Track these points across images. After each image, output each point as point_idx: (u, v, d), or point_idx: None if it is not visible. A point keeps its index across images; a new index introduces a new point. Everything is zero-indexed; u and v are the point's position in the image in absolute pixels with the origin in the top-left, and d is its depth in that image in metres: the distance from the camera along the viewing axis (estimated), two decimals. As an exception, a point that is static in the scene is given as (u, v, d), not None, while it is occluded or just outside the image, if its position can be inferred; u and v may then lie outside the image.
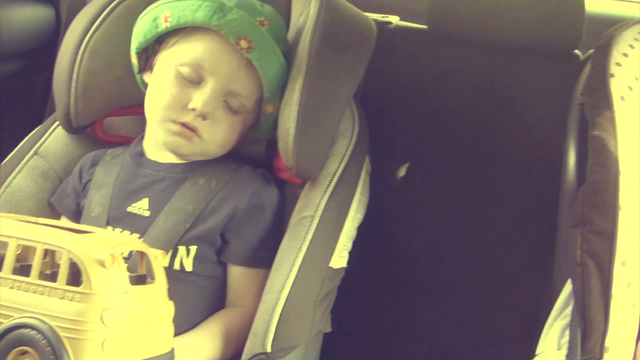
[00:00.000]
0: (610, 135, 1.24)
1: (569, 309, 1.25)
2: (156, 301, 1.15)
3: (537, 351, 1.26)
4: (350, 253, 1.51)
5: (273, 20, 1.52)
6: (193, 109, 1.44)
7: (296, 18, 1.63)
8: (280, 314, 1.34)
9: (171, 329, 1.18)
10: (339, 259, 1.46)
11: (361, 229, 1.54)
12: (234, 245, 1.46)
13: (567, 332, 1.23)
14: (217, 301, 1.46)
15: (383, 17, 2.07)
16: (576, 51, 1.89)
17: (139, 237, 1.42)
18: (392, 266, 1.98)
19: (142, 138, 1.58)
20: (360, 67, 1.53)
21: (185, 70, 1.45)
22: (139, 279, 1.15)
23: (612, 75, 1.31)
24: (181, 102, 1.45)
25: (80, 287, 1.04)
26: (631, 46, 1.37)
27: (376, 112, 1.90)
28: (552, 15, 1.86)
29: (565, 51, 1.89)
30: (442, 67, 1.99)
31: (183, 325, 1.35)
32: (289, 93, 1.47)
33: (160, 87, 1.48)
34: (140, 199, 1.48)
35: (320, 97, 1.46)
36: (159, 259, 1.18)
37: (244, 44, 1.44)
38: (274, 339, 1.32)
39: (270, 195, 1.52)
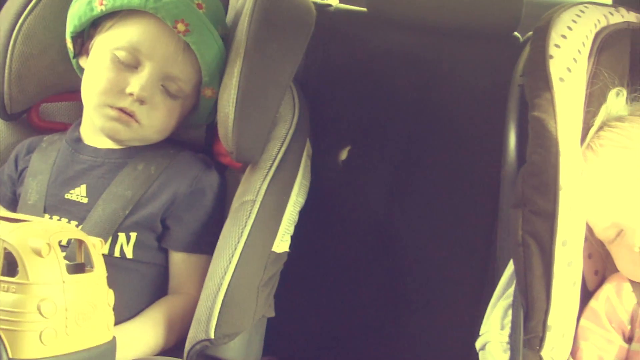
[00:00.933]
0: (550, 116, 1.25)
1: (512, 289, 1.26)
2: (96, 290, 1.12)
3: (481, 331, 1.27)
4: (293, 237, 1.50)
5: (211, 3, 1.49)
6: (130, 94, 1.41)
7: (235, 1, 1.60)
8: (223, 300, 1.33)
9: (112, 317, 1.16)
10: (282, 244, 1.46)
11: (304, 213, 1.53)
12: (175, 231, 1.44)
13: (510, 312, 1.24)
14: (159, 288, 1.44)
15: (323, 0, 2.05)
16: (515, 33, 1.90)
17: (77, 225, 1.39)
18: (336, 250, 1.98)
19: (79, 124, 1.55)
20: (299, 50, 1.51)
21: (121, 54, 1.42)
22: (78, 268, 1.12)
23: (551, 57, 1.31)
24: (118, 86, 1.41)
25: (16, 277, 1.01)
26: (569, 28, 1.38)
27: (317, 95, 1.88)
28: (492, -2, 1.87)
29: (504, 33, 1.90)
30: (382, 50, 1.98)
31: (124, 313, 1.33)
32: (227, 77, 1.45)
33: (96, 72, 1.44)
34: (78, 186, 1.45)
35: (259, 81, 1.44)
36: (97, 247, 1.15)
37: (181, 27, 1.41)
38: (217, 325, 1.31)
39: (210, 180, 1.50)
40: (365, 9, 1.99)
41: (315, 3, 1.65)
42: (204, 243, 1.44)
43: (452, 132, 1.93)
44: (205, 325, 1.31)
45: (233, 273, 1.35)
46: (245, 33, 1.43)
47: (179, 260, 1.45)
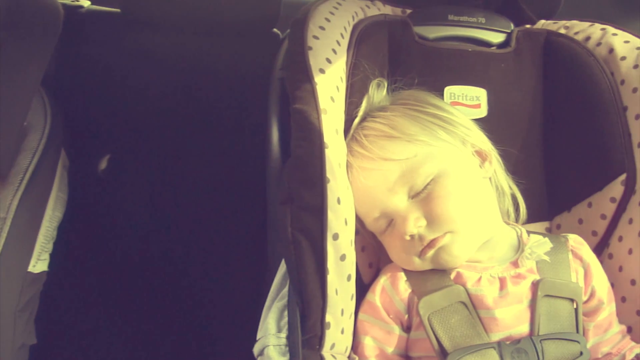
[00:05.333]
0: (312, 107, 1.22)
1: (286, 289, 1.22)
2: None
3: (258, 336, 1.21)
4: (52, 255, 1.40)
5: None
6: None
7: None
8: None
9: None
10: (39, 263, 1.36)
11: (63, 228, 1.42)
12: None
13: (286, 312, 1.20)
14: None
15: (73, 1, 1.93)
16: (275, 30, 1.88)
17: None
18: (102, 265, 1.87)
19: None
20: (46, 52, 1.41)
21: None
22: None
23: (310, 48, 1.29)
24: None
25: None
26: (327, 20, 1.37)
27: (72, 101, 1.76)
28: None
29: (264, 30, 1.87)
30: (139, 52, 1.90)
31: None
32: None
33: None
34: None
35: (1, 87, 1.31)
36: None
37: None
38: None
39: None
40: (118, 10, 1.88)
41: (63, 4, 1.53)
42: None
43: (215, 133, 1.87)
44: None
45: (-13, 299, 1.23)
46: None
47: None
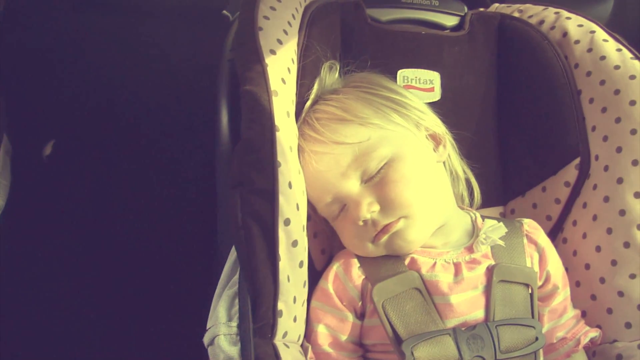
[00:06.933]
0: (263, 89, 1.19)
1: (237, 277, 1.18)
2: None
3: (208, 325, 1.17)
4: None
5: None
6: None
7: None
8: None
9: None
10: None
11: (5, 216, 1.38)
12: None
13: (237, 301, 1.16)
14: None
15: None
16: (225, 12, 1.84)
17: None
18: (43, 254, 1.81)
19: None
20: None
21: None
22: None
23: (260, 29, 1.26)
24: None
25: None
26: (279, 0, 1.34)
27: (13, 85, 1.71)
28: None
29: (213, 12, 1.83)
30: (86, 34, 1.86)
31: None
32: None
33: None
34: None
35: None
36: None
37: None
38: None
39: None
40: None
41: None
42: None
43: (166, 116, 1.84)
44: None
45: None
46: None
47: None
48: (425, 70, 1.49)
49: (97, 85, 1.83)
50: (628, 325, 1.34)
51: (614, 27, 1.51)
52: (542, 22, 1.54)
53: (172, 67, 1.83)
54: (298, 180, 1.21)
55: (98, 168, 1.85)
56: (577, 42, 1.47)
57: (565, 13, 1.54)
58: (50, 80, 1.82)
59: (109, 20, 1.84)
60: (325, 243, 1.38)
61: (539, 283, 1.33)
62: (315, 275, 1.30)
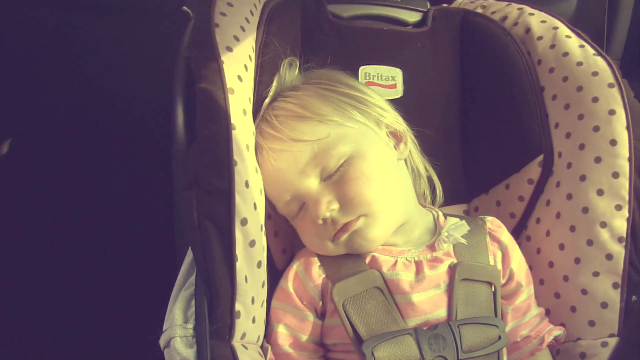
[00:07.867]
0: (218, 87, 1.17)
1: (193, 278, 1.16)
2: None
3: (164, 327, 1.15)
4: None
5: None
6: None
7: None
8: None
9: None
10: None
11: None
12: None
13: (193, 302, 1.14)
14: None
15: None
16: (185, 8, 1.81)
17: None
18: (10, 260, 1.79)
19: None
20: None
21: None
22: None
23: (217, 25, 1.24)
24: None
25: None
26: (237, -5, 1.32)
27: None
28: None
29: (172, 8, 1.81)
30: (38, 30, 1.81)
31: None
32: None
33: None
34: None
35: None
36: None
37: None
38: None
39: None
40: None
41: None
42: None
43: (123, 114, 1.81)
44: None
45: None
46: None
47: None
48: (387, 67, 1.47)
49: (53, 83, 1.80)
50: (592, 323, 1.33)
51: (577, 23, 1.50)
52: (505, 18, 1.53)
53: (131, 62, 1.81)
54: (255, 179, 1.19)
55: (54, 167, 1.82)
56: (540, 38, 1.46)
57: (528, 9, 1.54)
58: (4, 76, 1.79)
59: (66, 16, 1.81)
60: (286, 242, 1.36)
61: (502, 281, 1.32)
62: (276, 275, 1.29)
